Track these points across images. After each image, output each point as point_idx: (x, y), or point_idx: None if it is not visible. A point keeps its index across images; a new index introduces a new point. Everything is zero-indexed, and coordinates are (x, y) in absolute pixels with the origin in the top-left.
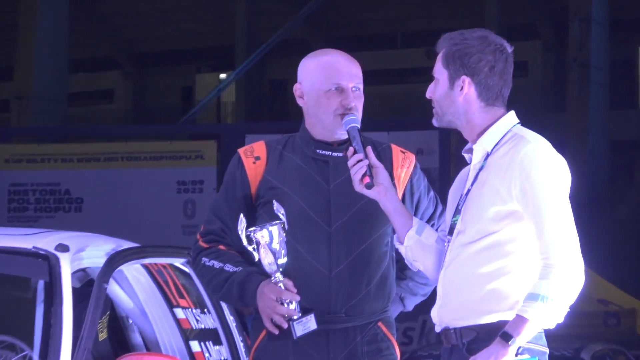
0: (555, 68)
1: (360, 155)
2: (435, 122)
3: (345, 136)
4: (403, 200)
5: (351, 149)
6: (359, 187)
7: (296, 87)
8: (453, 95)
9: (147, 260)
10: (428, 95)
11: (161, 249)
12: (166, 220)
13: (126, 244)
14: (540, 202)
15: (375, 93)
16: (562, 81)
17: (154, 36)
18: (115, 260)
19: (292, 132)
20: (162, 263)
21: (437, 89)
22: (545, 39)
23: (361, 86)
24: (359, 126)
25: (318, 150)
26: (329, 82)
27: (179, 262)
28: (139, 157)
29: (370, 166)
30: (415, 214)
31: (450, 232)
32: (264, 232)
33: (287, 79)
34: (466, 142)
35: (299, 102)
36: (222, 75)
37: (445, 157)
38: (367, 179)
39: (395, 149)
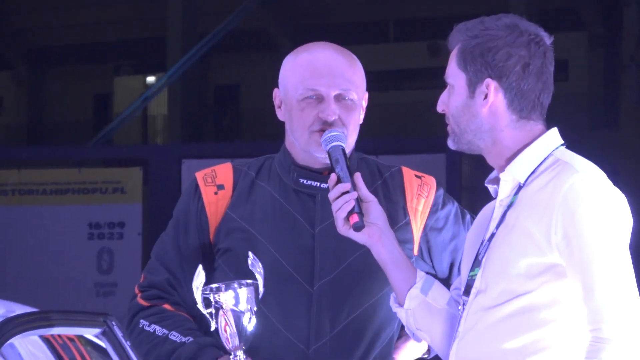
0: (605, 69)
1: (346, 186)
2: (451, 144)
3: None
4: (422, 243)
5: (333, 177)
6: (344, 229)
7: (275, 93)
8: (474, 107)
9: (48, 331)
10: (440, 108)
11: (67, 316)
12: (74, 277)
13: (20, 309)
14: (589, 254)
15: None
16: (615, 87)
17: (56, 26)
18: (4, 330)
19: (246, 156)
20: (69, 335)
21: (452, 99)
22: (591, 30)
23: (355, 94)
24: (343, 145)
25: (302, 180)
26: (303, 88)
27: (91, 334)
28: (36, 191)
29: (359, 200)
30: (438, 264)
31: (467, 292)
32: (229, 294)
33: (239, 84)
34: (486, 168)
35: (278, 113)
36: (150, 79)
37: (455, 190)
38: (354, 218)
39: (408, 173)
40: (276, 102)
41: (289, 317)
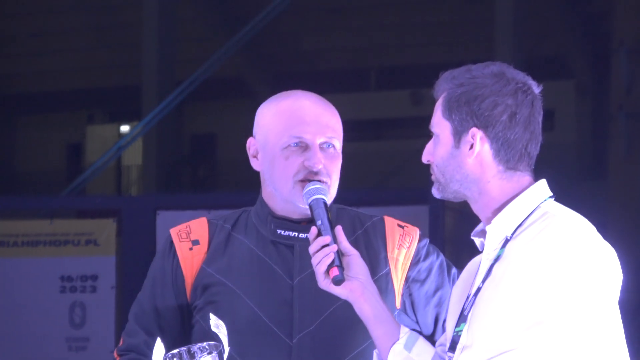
0: (593, 119)
1: (326, 239)
2: (435, 193)
3: None
4: (405, 297)
5: (314, 230)
6: (325, 283)
7: (249, 142)
8: (460, 156)
9: None
10: (425, 158)
11: None
12: (45, 331)
13: None
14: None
15: None
16: (603, 137)
17: (27, 72)
18: None
19: (223, 207)
20: None
21: (437, 149)
22: (578, 79)
23: (337, 142)
24: (325, 198)
25: (279, 231)
26: (288, 135)
27: None
28: (6, 242)
29: (340, 254)
30: (422, 318)
31: (452, 348)
32: None
33: (216, 133)
34: (470, 221)
35: (253, 163)
36: (124, 128)
37: (438, 242)
38: (334, 271)
39: (391, 223)
40: (251, 151)
41: None
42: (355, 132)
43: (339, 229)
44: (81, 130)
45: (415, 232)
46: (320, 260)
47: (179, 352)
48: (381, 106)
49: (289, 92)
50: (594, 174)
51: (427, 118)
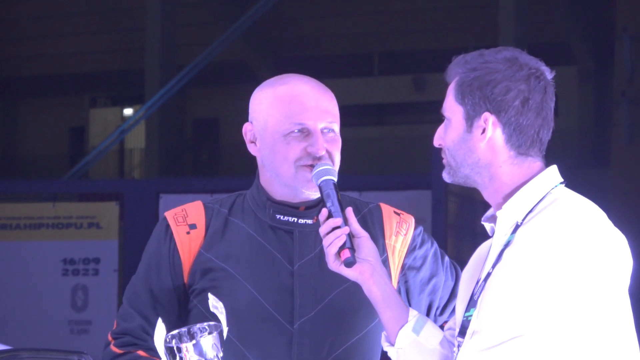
0: (596, 105)
1: (337, 221)
2: (446, 177)
3: (315, 196)
4: (401, 284)
5: (324, 212)
6: (335, 265)
7: (246, 128)
8: (471, 141)
9: None
10: (437, 142)
11: (39, 354)
12: (47, 314)
13: None
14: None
15: (341, 138)
16: (606, 123)
17: (30, 56)
18: None
19: (225, 192)
20: None
21: (448, 133)
22: (581, 65)
23: (336, 126)
24: (335, 180)
25: (278, 216)
26: (289, 122)
27: None
28: (9, 225)
29: (351, 235)
30: (416, 306)
31: (462, 333)
32: (191, 345)
33: (218, 117)
34: (472, 207)
35: (251, 149)
36: (127, 111)
37: (440, 228)
38: (345, 254)
39: (387, 210)
40: (248, 137)
41: (269, 358)
42: (357, 117)
43: (349, 211)
44: (84, 114)
45: (411, 220)
46: (332, 242)
47: (178, 332)
48: (384, 91)
49: (284, 76)
50: (596, 160)
51: (430, 103)
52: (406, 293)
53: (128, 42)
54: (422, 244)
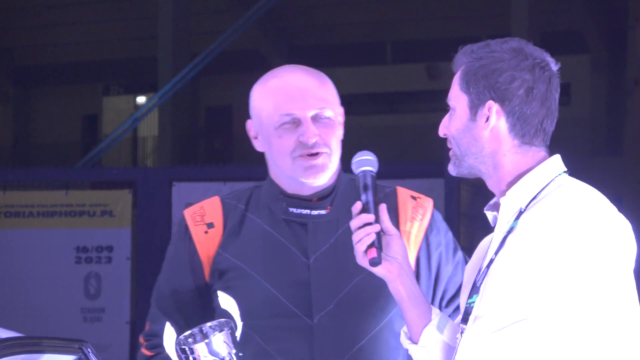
0: (609, 93)
1: (370, 217)
2: (452, 170)
3: (319, 183)
4: (415, 269)
5: (358, 205)
6: (362, 261)
7: (248, 124)
8: (476, 129)
9: (19, 358)
10: (442, 132)
11: (40, 342)
12: (60, 302)
13: (3, 333)
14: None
15: (352, 126)
16: (619, 112)
17: (43, 44)
18: None
19: (238, 180)
20: None
21: (453, 122)
22: (594, 53)
23: (332, 112)
24: (374, 171)
25: (291, 209)
26: (279, 114)
27: None
28: (22, 213)
29: (380, 233)
30: (433, 291)
31: (465, 320)
32: (202, 346)
33: (231, 105)
34: (485, 195)
35: (255, 144)
36: (140, 100)
37: (453, 216)
38: (372, 252)
39: (404, 194)
40: (251, 133)
41: (289, 353)
42: (370, 105)
43: (382, 207)
44: (97, 102)
45: (429, 204)
46: (361, 239)
47: (191, 332)
48: (397, 79)
49: (277, 69)
50: (610, 148)
51: (443, 92)
52: (416, 277)
53: (141, 30)
54: (438, 230)
